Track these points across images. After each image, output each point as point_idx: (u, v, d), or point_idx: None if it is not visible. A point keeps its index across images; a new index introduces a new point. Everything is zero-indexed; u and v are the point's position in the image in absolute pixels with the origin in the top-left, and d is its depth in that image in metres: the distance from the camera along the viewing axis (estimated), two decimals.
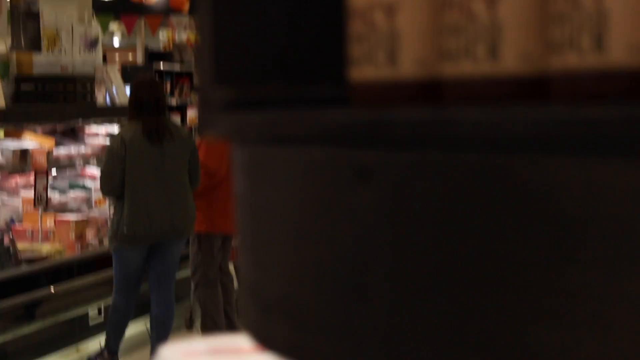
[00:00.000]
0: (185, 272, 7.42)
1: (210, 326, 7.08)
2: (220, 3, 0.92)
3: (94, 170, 8.11)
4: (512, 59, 0.70)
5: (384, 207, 0.76)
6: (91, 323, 7.35)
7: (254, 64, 0.94)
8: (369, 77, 0.80)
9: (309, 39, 0.96)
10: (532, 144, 0.67)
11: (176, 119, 9.83)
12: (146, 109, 6.32)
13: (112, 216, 6.59)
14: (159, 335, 6.59)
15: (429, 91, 0.77)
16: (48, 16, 7.97)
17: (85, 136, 8.30)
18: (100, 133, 8.34)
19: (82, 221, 7.49)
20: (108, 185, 6.32)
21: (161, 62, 11.78)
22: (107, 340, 6.75)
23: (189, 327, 7.70)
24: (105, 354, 6.75)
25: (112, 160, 6.28)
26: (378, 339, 0.77)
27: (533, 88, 0.71)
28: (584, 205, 0.63)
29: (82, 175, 8.29)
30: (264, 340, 0.91)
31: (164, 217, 6.35)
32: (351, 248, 0.80)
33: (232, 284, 7.32)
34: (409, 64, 0.77)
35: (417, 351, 0.74)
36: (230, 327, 7.20)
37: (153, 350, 6.63)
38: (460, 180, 0.71)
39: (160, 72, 11.46)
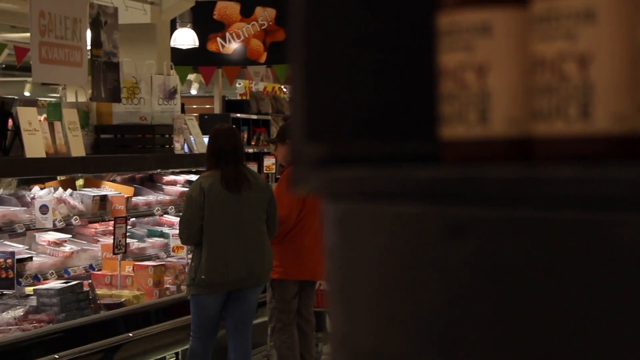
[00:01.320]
0: (262, 318, 7.44)
1: None
2: (312, 63, 0.94)
3: (172, 218, 8.19)
4: (603, 118, 0.71)
5: (475, 263, 0.77)
6: None
7: (345, 122, 0.96)
8: (459, 135, 0.82)
9: (399, 97, 0.97)
10: (623, 201, 0.67)
11: (253, 167, 9.91)
12: (225, 157, 6.38)
13: (190, 263, 6.65)
14: None
15: (520, 149, 0.78)
16: (128, 67, 8.12)
17: (164, 184, 8.40)
18: (179, 181, 8.43)
19: (160, 267, 7.55)
20: (186, 233, 6.38)
21: (238, 112, 11.93)
22: None
23: None
24: None
25: (190, 208, 6.35)
26: None
27: (624, 147, 0.71)
28: None
29: (160, 223, 8.38)
30: None
31: (241, 264, 6.38)
32: (440, 303, 0.81)
33: (312, 330, 7.31)
34: (500, 122, 0.79)
35: None
36: None
37: None
38: (552, 236, 0.72)
39: (237, 121, 11.59)
